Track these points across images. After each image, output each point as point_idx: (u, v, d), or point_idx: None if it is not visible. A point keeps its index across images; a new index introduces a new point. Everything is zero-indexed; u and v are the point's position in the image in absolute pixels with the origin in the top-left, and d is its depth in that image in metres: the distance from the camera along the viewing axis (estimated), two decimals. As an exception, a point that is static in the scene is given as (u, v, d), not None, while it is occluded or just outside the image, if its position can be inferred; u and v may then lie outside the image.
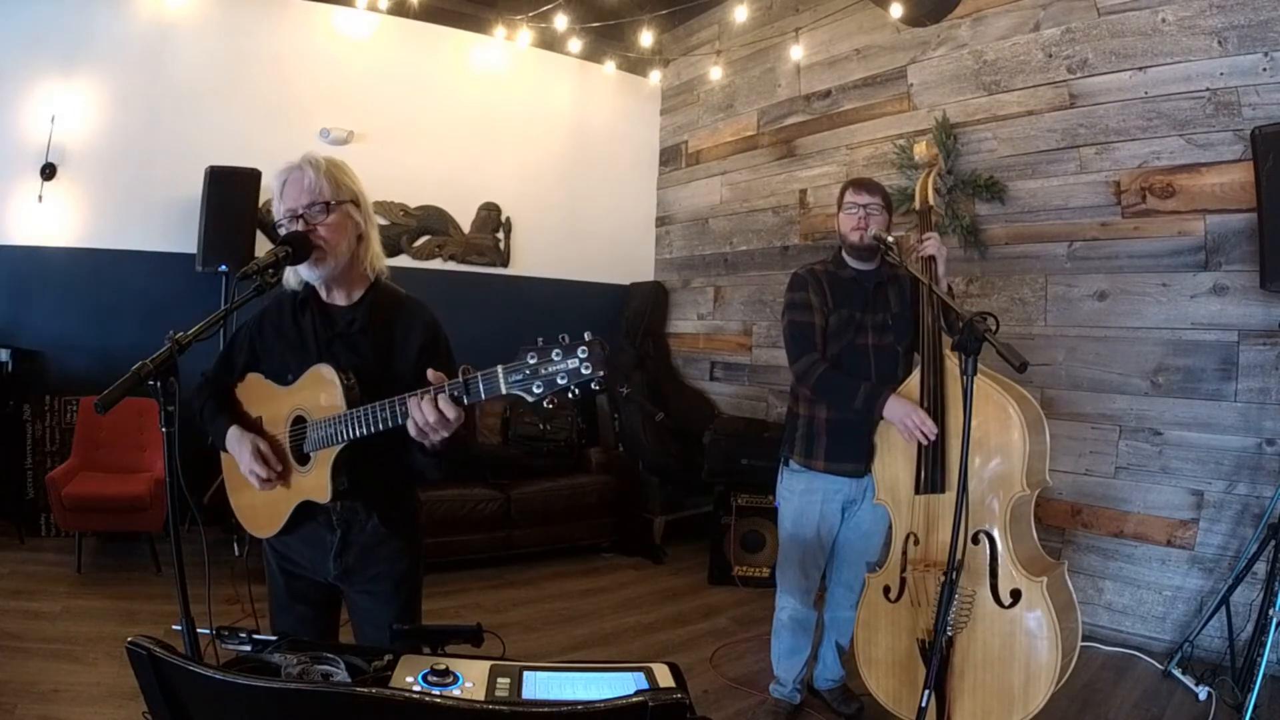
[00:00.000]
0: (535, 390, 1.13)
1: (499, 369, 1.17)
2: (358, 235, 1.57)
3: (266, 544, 1.69)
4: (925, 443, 2.17)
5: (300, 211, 1.50)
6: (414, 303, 1.64)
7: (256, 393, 1.64)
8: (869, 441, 2.35)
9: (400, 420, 1.32)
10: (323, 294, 1.60)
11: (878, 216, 2.38)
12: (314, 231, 1.50)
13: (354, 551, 1.59)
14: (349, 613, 1.71)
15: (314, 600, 1.68)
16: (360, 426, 1.38)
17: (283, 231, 1.51)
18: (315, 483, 1.50)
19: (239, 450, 1.56)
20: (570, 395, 1.13)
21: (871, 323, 2.41)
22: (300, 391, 1.53)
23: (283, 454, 1.57)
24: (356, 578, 1.61)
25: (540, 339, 1.14)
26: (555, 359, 1.12)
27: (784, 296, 2.51)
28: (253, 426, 1.61)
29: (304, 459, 1.54)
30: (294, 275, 1.57)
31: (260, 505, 1.62)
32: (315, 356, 1.54)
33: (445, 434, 1.30)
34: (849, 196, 2.42)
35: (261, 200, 4.23)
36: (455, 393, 1.26)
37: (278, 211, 1.55)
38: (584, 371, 1.11)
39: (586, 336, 1.12)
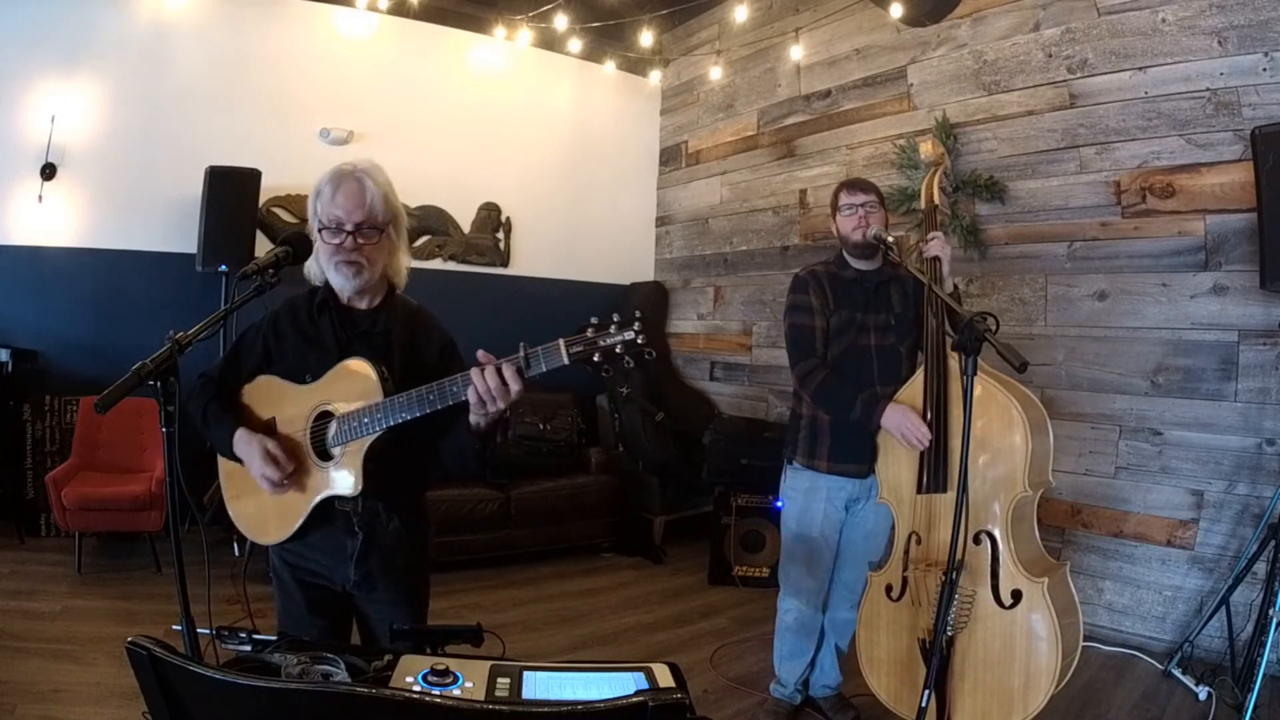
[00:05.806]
0: (595, 359, 1.24)
1: (560, 341, 1.26)
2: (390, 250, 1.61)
3: (276, 554, 1.65)
4: (921, 448, 2.17)
5: (350, 228, 1.51)
6: (427, 311, 1.70)
7: (269, 394, 1.61)
8: (872, 442, 2.34)
9: (450, 400, 1.35)
10: (342, 298, 1.61)
11: (876, 214, 2.36)
12: (359, 249, 1.52)
13: (376, 556, 1.58)
14: (358, 619, 1.68)
15: (332, 612, 1.65)
16: (404, 412, 1.40)
17: (324, 234, 1.52)
18: (344, 475, 1.50)
19: (247, 453, 1.52)
20: (625, 364, 1.25)
21: (874, 323, 2.39)
22: (326, 387, 1.54)
23: (298, 453, 1.55)
24: (377, 582, 1.60)
25: (594, 317, 1.27)
26: (612, 332, 1.24)
27: (785, 298, 2.49)
28: (263, 428, 1.59)
29: (325, 455, 1.53)
30: (317, 269, 1.59)
31: (270, 507, 1.59)
32: (336, 355, 1.55)
33: (503, 405, 1.33)
34: (844, 198, 2.41)
35: (262, 200, 4.24)
36: (519, 365, 1.30)
37: (321, 212, 1.53)
38: (639, 342, 1.24)
39: (638, 314, 1.26)
